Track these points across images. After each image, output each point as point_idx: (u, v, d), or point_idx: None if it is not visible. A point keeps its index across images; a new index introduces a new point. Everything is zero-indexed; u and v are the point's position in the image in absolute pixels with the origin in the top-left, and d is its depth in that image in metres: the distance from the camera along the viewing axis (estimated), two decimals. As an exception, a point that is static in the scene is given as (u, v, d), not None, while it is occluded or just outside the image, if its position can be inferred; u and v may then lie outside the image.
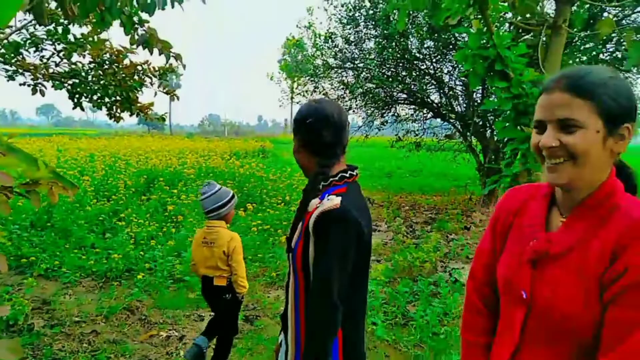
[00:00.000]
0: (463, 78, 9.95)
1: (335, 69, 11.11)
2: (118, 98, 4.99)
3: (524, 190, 1.17)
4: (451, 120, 10.85)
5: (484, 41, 3.84)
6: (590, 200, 0.97)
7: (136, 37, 3.34)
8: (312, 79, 11.32)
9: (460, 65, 9.73)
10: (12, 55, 4.71)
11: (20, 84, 4.90)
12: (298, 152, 1.48)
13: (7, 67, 4.77)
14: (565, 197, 1.03)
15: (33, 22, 4.43)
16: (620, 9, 7.75)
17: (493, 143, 9.62)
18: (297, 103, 12.68)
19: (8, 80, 4.90)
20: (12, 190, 1.87)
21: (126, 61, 4.87)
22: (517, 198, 1.17)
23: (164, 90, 5.01)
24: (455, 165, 12.63)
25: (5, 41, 4.60)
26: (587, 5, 6.60)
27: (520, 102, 4.41)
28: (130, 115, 5.22)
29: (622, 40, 7.61)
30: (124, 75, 4.90)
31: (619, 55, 8.47)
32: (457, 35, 8.83)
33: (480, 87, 9.37)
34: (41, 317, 3.87)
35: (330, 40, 10.86)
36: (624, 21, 8.18)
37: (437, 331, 3.77)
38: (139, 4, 2.69)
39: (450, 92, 10.68)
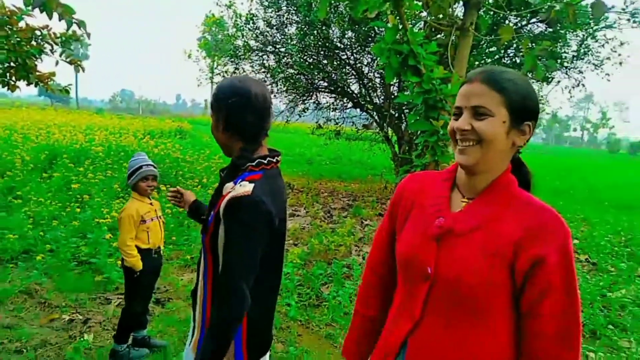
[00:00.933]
0: (381, 70, 10.35)
1: (257, 52, 10.98)
2: (12, 64, 4.55)
3: (422, 175, 1.27)
4: (369, 111, 11.25)
5: (399, 36, 4.04)
6: (493, 186, 1.10)
7: None
8: (233, 59, 11.08)
9: (378, 58, 10.08)
10: None
11: None
12: (217, 129, 1.41)
13: None
14: (468, 181, 1.14)
15: None
16: (519, 18, 8.51)
17: (407, 135, 10.15)
18: (217, 83, 12.35)
19: None
20: None
21: (22, 24, 4.44)
22: (417, 181, 1.26)
23: (67, 60, 4.64)
24: (372, 154, 13.13)
25: None
26: (492, 12, 7.18)
27: (430, 97, 4.72)
28: (28, 85, 4.77)
29: (520, 47, 8.39)
30: (18, 39, 4.46)
31: (518, 61, 9.33)
32: (376, 28, 9.14)
33: (397, 81, 9.81)
34: None
35: (251, 21, 10.67)
36: (522, 30, 9.01)
37: (348, 311, 3.98)
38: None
39: (369, 84, 11.04)
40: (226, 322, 1.27)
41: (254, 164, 1.36)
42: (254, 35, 10.77)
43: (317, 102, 11.92)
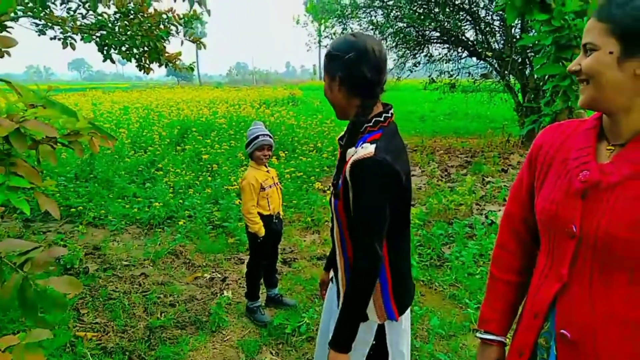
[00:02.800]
0: (500, 12, 9.38)
1: (364, 9, 10.65)
2: (146, 48, 4.98)
3: (565, 125, 1.14)
4: (487, 59, 10.36)
5: (523, -31, 3.56)
6: None
7: None
8: (340, 20, 10.91)
9: (497, -2, 9.15)
10: (40, 9, 4.72)
11: (51, 38, 4.95)
12: (332, 90, 1.37)
13: (37, 21, 4.80)
14: (612, 126, 1.01)
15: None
16: None
17: (532, 81, 9.17)
18: (325, 47, 12.33)
19: (39, 35, 4.94)
20: (56, 141, 1.93)
21: (150, 10, 4.81)
22: (558, 132, 1.13)
23: (191, 39, 4.95)
24: (492, 106, 12.17)
25: (32, -6, 4.59)
26: None
27: (561, 35, 4.13)
28: (160, 66, 5.22)
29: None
30: (149, 24, 4.84)
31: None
32: (494, -35, 8.24)
33: (520, 22, 8.83)
34: (94, 261, 4.13)
35: (358, -23, 10.35)
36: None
37: (472, 272, 3.81)
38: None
39: (487, 29, 10.13)
40: (362, 278, 1.31)
41: (371, 124, 1.34)
42: (361, -9, 10.46)
43: (429, 54, 11.28)
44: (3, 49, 4.62)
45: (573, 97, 4.50)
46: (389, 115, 1.38)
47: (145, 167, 6.87)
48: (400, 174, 1.30)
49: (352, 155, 1.30)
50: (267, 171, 3.09)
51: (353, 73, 1.31)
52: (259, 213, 3.00)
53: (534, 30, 4.48)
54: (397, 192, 1.32)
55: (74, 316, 3.12)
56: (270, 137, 3.00)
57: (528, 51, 8.78)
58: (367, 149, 1.27)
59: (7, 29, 4.49)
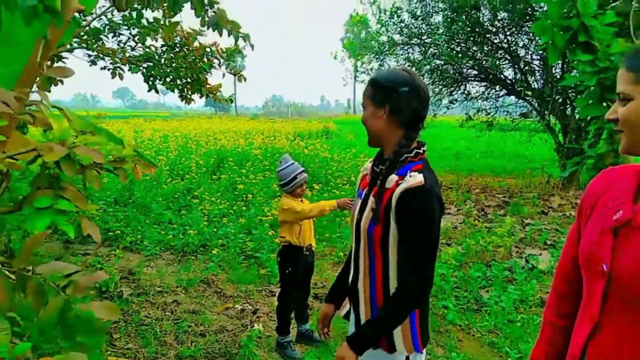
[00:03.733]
0: (541, 51, 9.29)
1: (401, 46, 10.78)
2: (189, 80, 5.18)
3: (615, 170, 1.14)
4: (527, 98, 10.22)
5: (566, 10, 3.54)
6: None
7: (206, 18, 3.41)
8: (377, 56, 11.06)
9: (537, 38, 9.08)
10: (93, 41, 5.00)
11: (101, 68, 5.21)
12: (375, 118, 1.42)
13: (90, 52, 5.08)
14: None
15: (111, 8, 4.66)
16: None
17: (574, 122, 8.96)
18: (362, 82, 12.49)
19: (91, 65, 5.22)
20: (101, 167, 1.98)
21: (195, 43, 5.02)
22: (607, 176, 1.14)
23: (231, 71, 5.11)
24: (530, 146, 11.89)
25: (87, 28, 4.88)
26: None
27: (606, 76, 4.02)
28: (201, 97, 5.40)
29: None
30: (193, 57, 5.05)
31: None
32: (534, 4, 8.22)
33: (560, 61, 8.71)
34: (128, 285, 4.17)
35: (395, 15, 10.49)
36: None
37: (512, 318, 3.63)
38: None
39: (526, 67, 10.02)
40: (410, 304, 1.36)
41: (412, 154, 1.40)
42: (398, 29, 10.60)
43: (466, 92, 11.22)
44: (59, 79, 4.93)
45: (618, 140, 4.35)
46: (425, 149, 1.47)
47: (181, 195, 7.01)
48: (441, 202, 1.38)
49: (397, 182, 1.35)
50: (302, 201, 3.10)
51: (405, 106, 1.38)
52: (289, 244, 3.00)
53: (575, 71, 4.40)
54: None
55: (107, 340, 3.13)
56: (305, 171, 3.05)
57: (570, 91, 8.61)
58: (416, 178, 1.33)
59: (63, 59, 4.78)
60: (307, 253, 3.11)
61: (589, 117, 8.78)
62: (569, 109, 9.23)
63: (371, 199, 1.42)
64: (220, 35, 3.70)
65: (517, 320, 3.62)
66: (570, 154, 8.63)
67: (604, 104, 4.20)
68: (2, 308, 1.26)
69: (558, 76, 9.19)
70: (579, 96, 8.33)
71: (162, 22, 4.76)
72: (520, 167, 12.71)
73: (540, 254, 5.17)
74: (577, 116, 8.99)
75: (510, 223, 5.84)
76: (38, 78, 1.57)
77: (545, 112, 9.44)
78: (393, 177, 1.38)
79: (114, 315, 1.31)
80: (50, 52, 1.84)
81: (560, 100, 9.13)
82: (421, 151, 1.42)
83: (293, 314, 3.21)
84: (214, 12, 3.37)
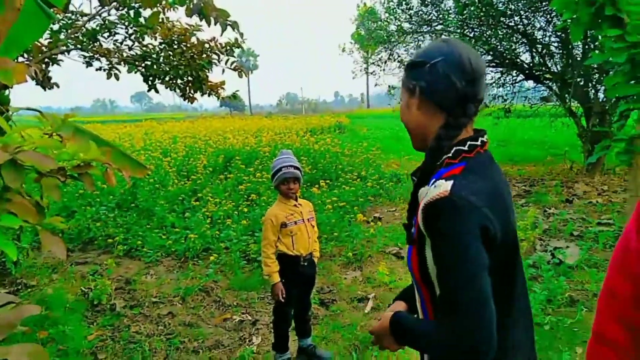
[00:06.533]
0: (559, 33, 8.77)
1: (411, 34, 10.35)
2: (189, 78, 4.94)
3: None
4: (546, 82, 9.70)
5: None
6: None
7: (191, 6, 3.20)
8: (386, 45, 10.65)
9: (556, 18, 8.58)
10: (90, 41, 4.80)
11: (97, 69, 5.00)
12: (410, 108, 1.09)
13: (85, 53, 4.88)
14: None
15: (107, 8, 4.47)
16: None
17: (598, 104, 8.44)
18: (372, 73, 12.08)
19: (87, 67, 5.01)
20: (65, 174, 1.73)
21: (193, 39, 4.79)
22: None
23: (232, 67, 4.85)
24: (551, 131, 11.32)
25: (83, 28, 4.69)
26: None
27: (638, 51, 3.62)
28: (202, 95, 5.15)
29: None
30: (192, 54, 4.82)
31: None
32: (552, -18, 7.72)
33: (581, 42, 8.19)
34: (123, 297, 3.94)
35: (404, 2, 10.08)
36: None
37: (540, 321, 3.26)
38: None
39: (545, 50, 9.50)
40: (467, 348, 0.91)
41: (450, 154, 1.03)
42: (408, 17, 10.17)
43: (481, 79, 10.75)
44: (52, 82, 4.75)
45: (652, 121, 3.92)
46: (478, 143, 1.05)
47: (186, 197, 6.77)
48: (488, 221, 0.94)
49: (424, 197, 0.99)
50: (295, 205, 2.75)
51: (439, 81, 1.03)
52: (283, 254, 2.66)
53: (601, 49, 3.99)
54: (489, 245, 0.94)
55: (90, 361, 2.89)
56: (295, 167, 2.67)
57: (593, 72, 8.11)
58: (440, 188, 0.96)
59: (58, 62, 4.59)
60: (305, 264, 2.74)
61: (612, 99, 8.27)
62: (592, 92, 8.70)
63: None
64: (209, 24, 3.46)
65: (544, 323, 3.26)
66: (594, 139, 8.13)
67: (634, 82, 3.78)
68: None
69: (579, 58, 8.67)
70: (603, 76, 7.82)
71: (154, 18, 4.54)
72: (540, 154, 12.13)
73: (567, 247, 4.77)
74: (600, 98, 8.48)
75: (533, 214, 5.43)
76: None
77: (566, 95, 8.92)
78: (424, 189, 1.03)
79: (39, 360, 1.08)
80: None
81: (582, 82, 8.62)
82: (465, 147, 1.03)
83: (293, 327, 2.90)
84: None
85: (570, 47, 8.70)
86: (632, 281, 0.82)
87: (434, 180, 1.01)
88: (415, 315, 1.15)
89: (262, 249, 2.65)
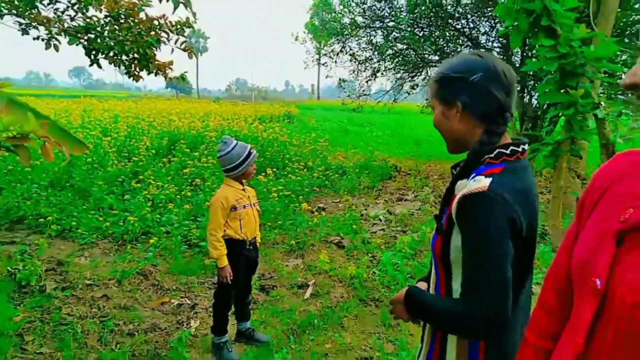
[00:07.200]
0: (501, 39, 9.27)
1: (364, 28, 10.52)
2: (136, 55, 4.76)
3: (635, 155, 0.86)
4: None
5: (530, -7, 3.40)
6: None
7: None
8: (339, 38, 10.76)
9: (499, 24, 9.05)
10: (27, 7, 4.49)
11: (34, 38, 4.70)
12: (450, 119, 1.18)
13: (20, 20, 4.57)
14: None
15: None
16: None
17: (531, 110, 9.02)
18: (324, 64, 12.16)
19: (22, 34, 4.70)
20: (-2, 145, 1.67)
21: (142, 15, 4.61)
22: (621, 163, 0.87)
23: (182, 47, 4.73)
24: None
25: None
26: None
27: (567, 62, 3.90)
28: (149, 74, 4.98)
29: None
30: (139, 30, 4.64)
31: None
32: (497, -10, 8.13)
33: (520, 49, 8.71)
34: (54, 278, 3.78)
35: (359, -4, 10.23)
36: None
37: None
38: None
39: (487, 54, 10.01)
40: (465, 333, 1.11)
41: (492, 155, 1.13)
42: (361, 11, 10.33)
43: (427, 77, 11.14)
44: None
45: (577, 127, 4.25)
46: (519, 149, 1.15)
47: (126, 178, 6.54)
48: (517, 218, 1.05)
49: (462, 189, 1.09)
50: (244, 189, 2.79)
51: (481, 96, 1.13)
52: (230, 238, 2.69)
53: (537, 57, 4.27)
54: (514, 239, 1.06)
55: (16, 343, 2.76)
56: (253, 148, 2.81)
57: (528, 77, 8.65)
58: (479, 182, 1.06)
59: (-11, 27, 4.25)
60: (251, 247, 2.80)
61: (544, 105, 8.87)
62: (527, 97, 9.28)
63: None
64: (160, 1, 3.37)
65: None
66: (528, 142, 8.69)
67: (565, 90, 4.08)
68: None
69: (517, 64, 9.20)
70: (538, 83, 8.36)
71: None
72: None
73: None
74: (534, 104, 9.06)
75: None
76: None
77: (504, 99, 9.46)
78: (462, 182, 1.13)
79: None
80: None
81: (518, 88, 9.17)
82: (507, 151, 1.13)
83: (232, 311, 2.93)
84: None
85: (510, 53, 9.21)
86: (567, 256, 0.93)
87: (474, 175, 1.11)
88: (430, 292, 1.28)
89: (211, 232, 2.65)
